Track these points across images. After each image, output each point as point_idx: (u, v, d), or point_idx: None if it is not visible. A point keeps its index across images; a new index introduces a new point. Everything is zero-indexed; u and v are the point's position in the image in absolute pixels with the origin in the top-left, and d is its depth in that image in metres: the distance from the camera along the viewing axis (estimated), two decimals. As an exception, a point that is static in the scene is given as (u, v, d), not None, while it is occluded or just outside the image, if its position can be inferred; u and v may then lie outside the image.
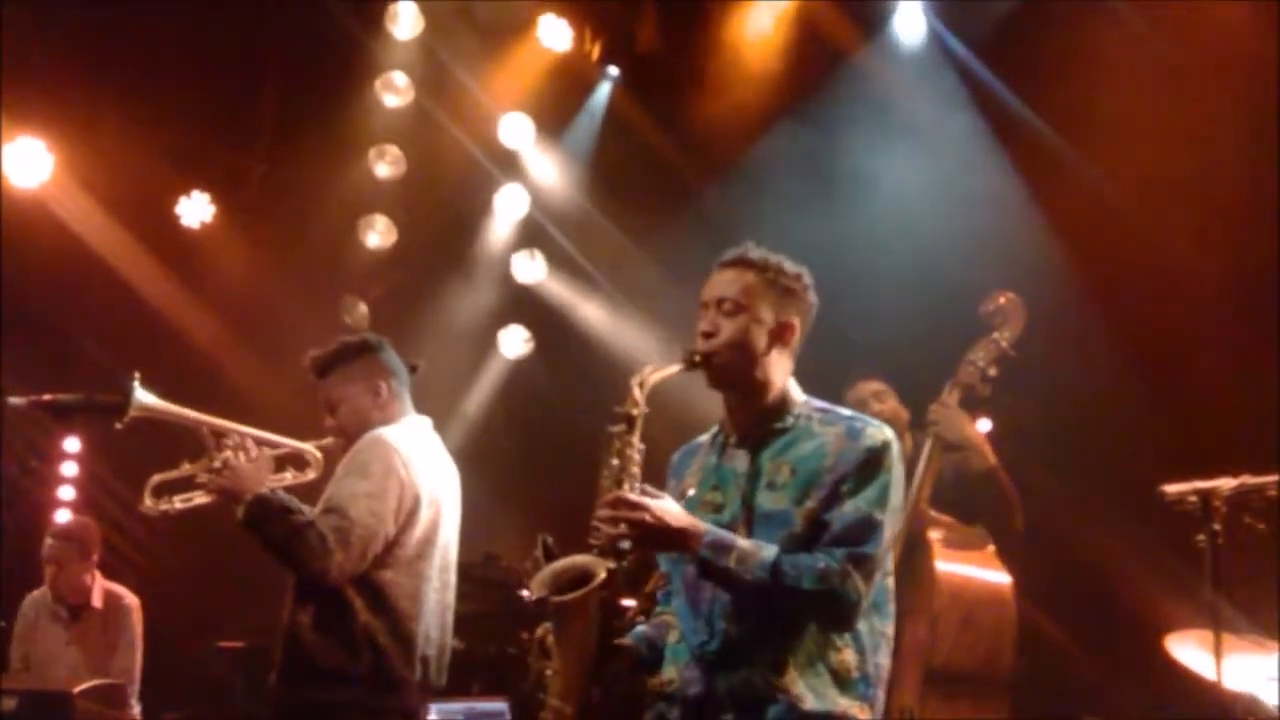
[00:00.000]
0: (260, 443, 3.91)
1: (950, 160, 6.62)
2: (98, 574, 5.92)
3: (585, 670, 2.81)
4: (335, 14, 7.50)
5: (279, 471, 3.99)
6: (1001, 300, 4.89)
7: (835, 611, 2.76)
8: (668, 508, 2.81)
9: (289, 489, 3.93)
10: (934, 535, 4.69)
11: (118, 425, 3.97)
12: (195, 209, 7.79)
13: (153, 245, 7.59)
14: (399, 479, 3.79)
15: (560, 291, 8.06)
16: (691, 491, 2.98)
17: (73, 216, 7.35)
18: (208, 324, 7.71)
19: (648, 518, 2.76)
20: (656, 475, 3.00)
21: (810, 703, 2.75)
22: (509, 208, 8.03)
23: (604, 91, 7.90)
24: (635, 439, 2.88)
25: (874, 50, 7.08)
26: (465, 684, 5.84)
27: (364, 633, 3.74)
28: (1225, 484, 3.52)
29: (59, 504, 7.81)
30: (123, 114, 7.41)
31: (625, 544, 2.79)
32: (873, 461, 2.82)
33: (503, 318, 8.15)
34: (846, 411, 2.97)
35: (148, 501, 4.02)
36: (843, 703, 2.78)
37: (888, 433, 2.88)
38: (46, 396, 4.17)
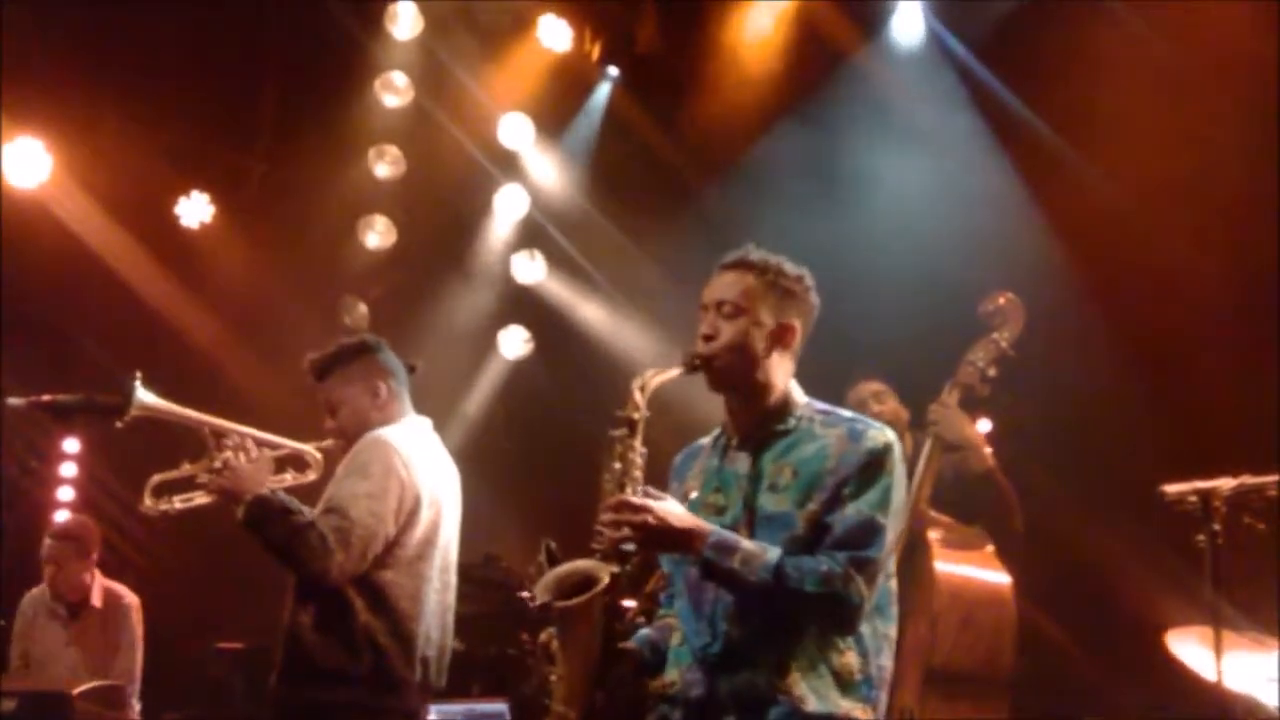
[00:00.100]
0: (260, 443, 3.92)
1: (950, 160, 6.62)
2: (97, 573, 5.91)
3: (589, 675, 2.82)
4: (335, 14, 7.50)
5: (279, 472, 3.99)
6: (1001, 300, 4.89)
7: (838, 615, 2.76)
8: (671, 509, 2.81)
9: (289, 490, 3.93)
10: (933, 535, 4.69)
11: (118, 424, 3.97)
12: (195, 209, 7.79)
13: (152, 245, 7.59)
14: (399, 479, 3.79)
15: (560, 292, 8.06)
16: (694, 494, 2.97)
17: (72, 217, 7.35)
18: (208, 324, 7.71)
19: (651, 520, 2.76)
20: (659, 478, 3.00)
21: (812, 704, 2.75)
22: (509, 208, 8.03)
23: (604, 92, 7.90)
24: (637, 442, 2.87)
25: (873, 50, 7.08)
26: (465, 685, 5.84)
27: (364, 633, 3.74)
28: (1225, 484, 3.52)
29: (58, 504, 7.81)
30: (122, 114, 7.41)
31: (629, 547, 2.78)
32: (874, 464, 2.82)
33: (503, 318, 8.15)
34: (848, 413, 2.97)
35: (148, 501, 4.03)
36: (845, 705, 2.78)
37: (889, 435, 2.88)
38: (46, 397, 4.18)
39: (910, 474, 4.57)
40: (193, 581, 7.39)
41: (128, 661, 5.78)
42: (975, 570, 4.70)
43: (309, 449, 4.08)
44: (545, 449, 7.77)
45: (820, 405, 2.98)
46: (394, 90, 7.82)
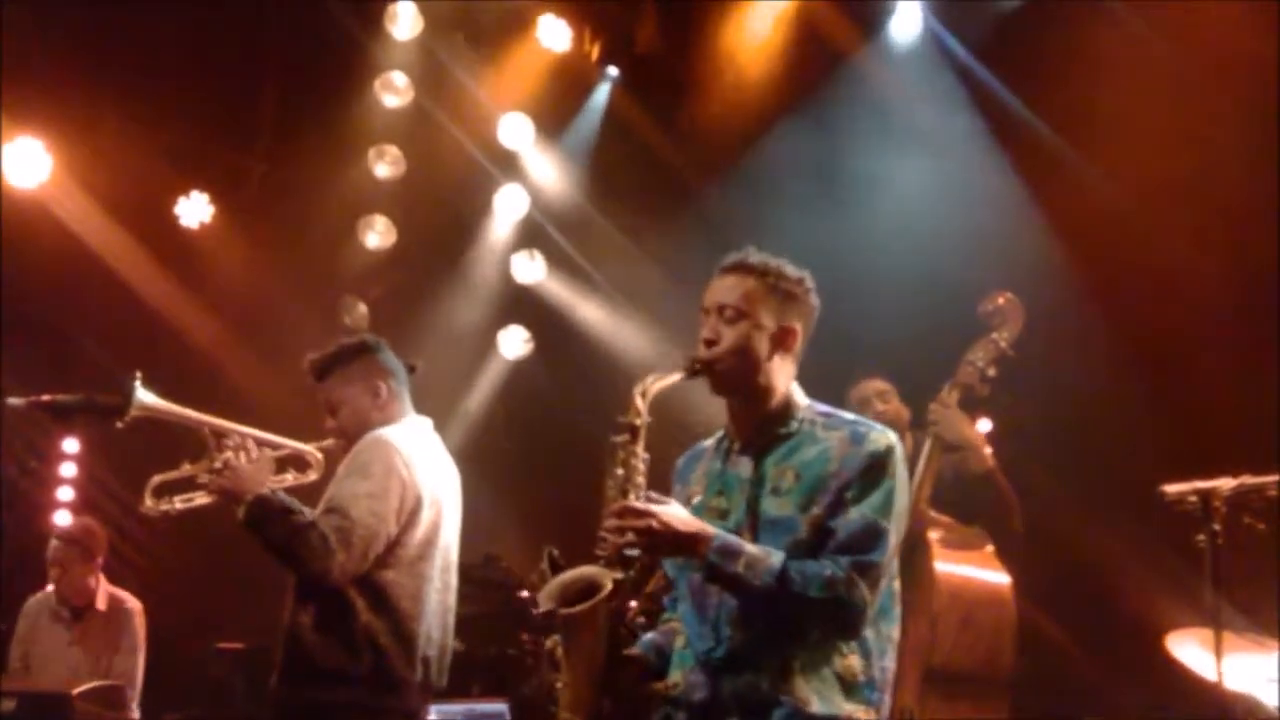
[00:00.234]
0: (261, 444, 3.91)
1: (949, 160, 6.62)
2: (102, 578, 5.92)
3: (595, 681, 2.81)
4: (335, 14, 7.50)
5: (280, 473, 3.98)
6: (1000, 300, 4.89)
7: (842, 619, 2.77)
8: (675, 513, 2.81)
9: (290, 490, 3.93)
10: (933, 535, 4.69)
11: (118, 424, 3.97)
12: (194, 209, 7.79)
13: (152, 245, 7.59)
14: (400, 479, 3.79)
15: (560, 292, 8.06)
16: (697, 498, 2.97)
17: (72, 217, 7.35)
18: (208, 324, 7.71)
19: (654, 524, 2.76)
20: (662, 482, 3.00)
21: (816, 706, 2.75)
22: (508, 208, 8.03)
23: (603, 92, 7.90)
24: (639, 448, 2.87)
25: (873, 51, 7.08)
26: (465, 685, 5.84)
27: (365, 633, 3.74)
28: (1225, 484, 3.52)
29: (58, 505, 7.81)
30: (122, 114, 7.41)
31: (633, 552, 2.78)
32: (876, 467, 2.82)
33: (502, 318, 8.15)
34: (849, 415, 2.97)
35: (148, 502, 4.02)
36: (848, 707, 2.78)
37: (891, 437, 2.88)
38: (46, 397, 4.17)
39: (910, 474, 4.57)
40: (193, 582, 7.39)
41: (129, 664, 5.78)
42: (975, 570, 4.70)
43: (309, 449, 4.07)
44: (545, 449, 7.77)
45: (821, 407, 2.98)
46: (394, 90, 7.82)
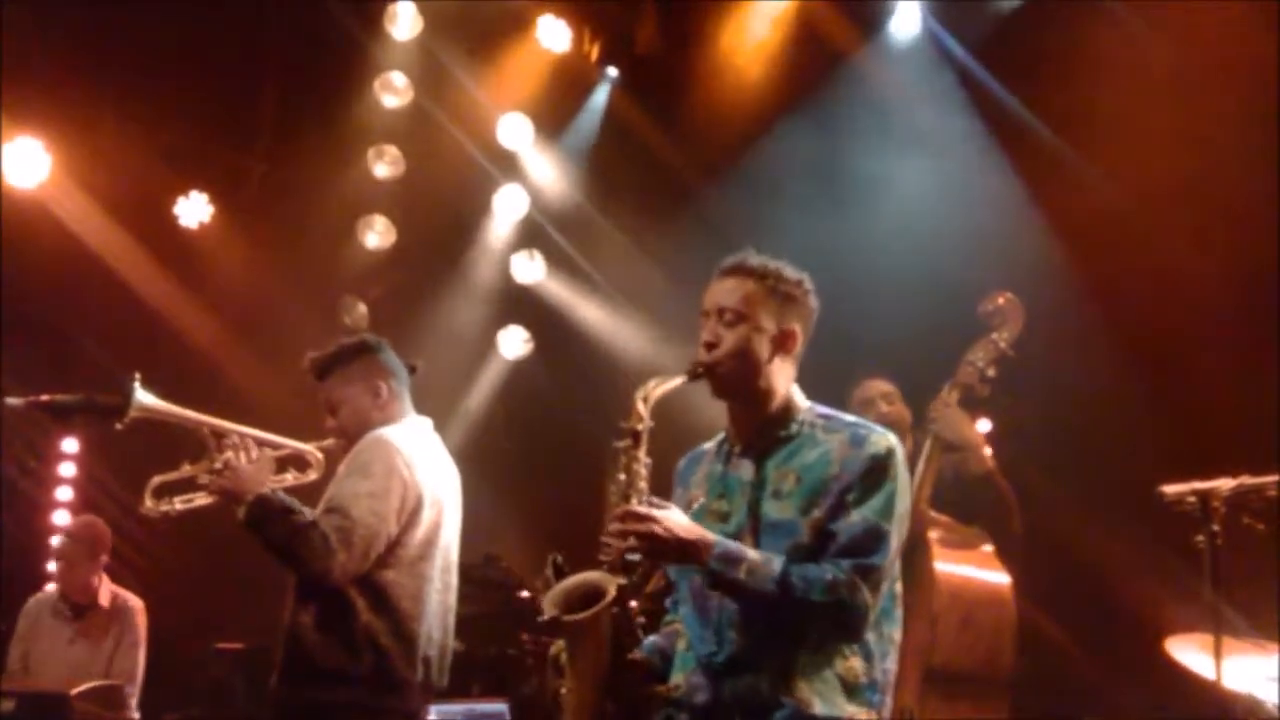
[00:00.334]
0: (261, 444, 3.91)
1: (949, 160, 6.62)
2: (105, 577, 5.94)
3: (599, 686, 2.82)
4: (335, 14, 7.50)
5: (280, 473, 3.98)
6: (1000, 300, 4.89)
7: (844, 622, 2.77)
8: (677, 519, 2.81)
9: (290, 490, 3.92)
10: (933, 535, 4.69)
11: (118, 425, 3.97)
12: (194, 209, 7.79)
13: (152, 245, 7.59)
14: (401, 479, 3.79)
15: (559, 292, 8.06)
16: (700, 501, 2.97)
17: (72, 217, 7.34)
18: (207, 324, 7.71)
19: (658, 529, 2.76)
20: (663, 486, 3.00)
21: (817, 708, 2.76)
22: (508, 208, 8.03)
23: (603, 92, 7.90)
24: (641, 453, 2.86)
25: (873, 51, 7.07)
26: (465, 685, 5.84)
27: (365, 633, 3.74)
28: (1224, 484, 3.52)
29: (57, 505, 7.82)
30: (122, 114, 7.41)
31: (635, 556, 2.78)
32: (877, 469, 2.82)
33: (502, 318, 8.15)
34: (850, 418, 2.97)
35: (148, 503, 4.02)
36: (850, 709, 2.78)
37: (891, 439, 2.88)
38: (45, 397, 4.17)
39: (911, 474, 4.57)
40: (193, 582, 7.39)
41: (129, 662, 5.80)
42: (975, 570, 4.71)
43: (310, 449, 4.07)
44: (545, 449, 7.77)
45: (822, 409, 2.98)
46: (393, 90, 7.82)
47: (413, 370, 4.13)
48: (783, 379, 2.95)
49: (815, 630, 2.79)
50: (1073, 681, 5.66)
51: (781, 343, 2.93)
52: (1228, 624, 3.59)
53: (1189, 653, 4.14)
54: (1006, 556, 4.75)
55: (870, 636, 2.82)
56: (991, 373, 4.82)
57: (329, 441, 4.04)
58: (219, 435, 3.90)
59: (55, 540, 7.24)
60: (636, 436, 2.87)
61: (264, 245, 7.75)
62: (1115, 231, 6.02)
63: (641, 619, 2.99)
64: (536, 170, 7.99)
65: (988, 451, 4.92)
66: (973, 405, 4.92)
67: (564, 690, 2.87)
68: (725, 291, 2.93)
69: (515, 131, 7.88)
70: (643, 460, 2.87)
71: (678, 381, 2.90)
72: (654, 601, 3.06)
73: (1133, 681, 5.23)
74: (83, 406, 4.22)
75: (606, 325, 7.84)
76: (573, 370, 7.83)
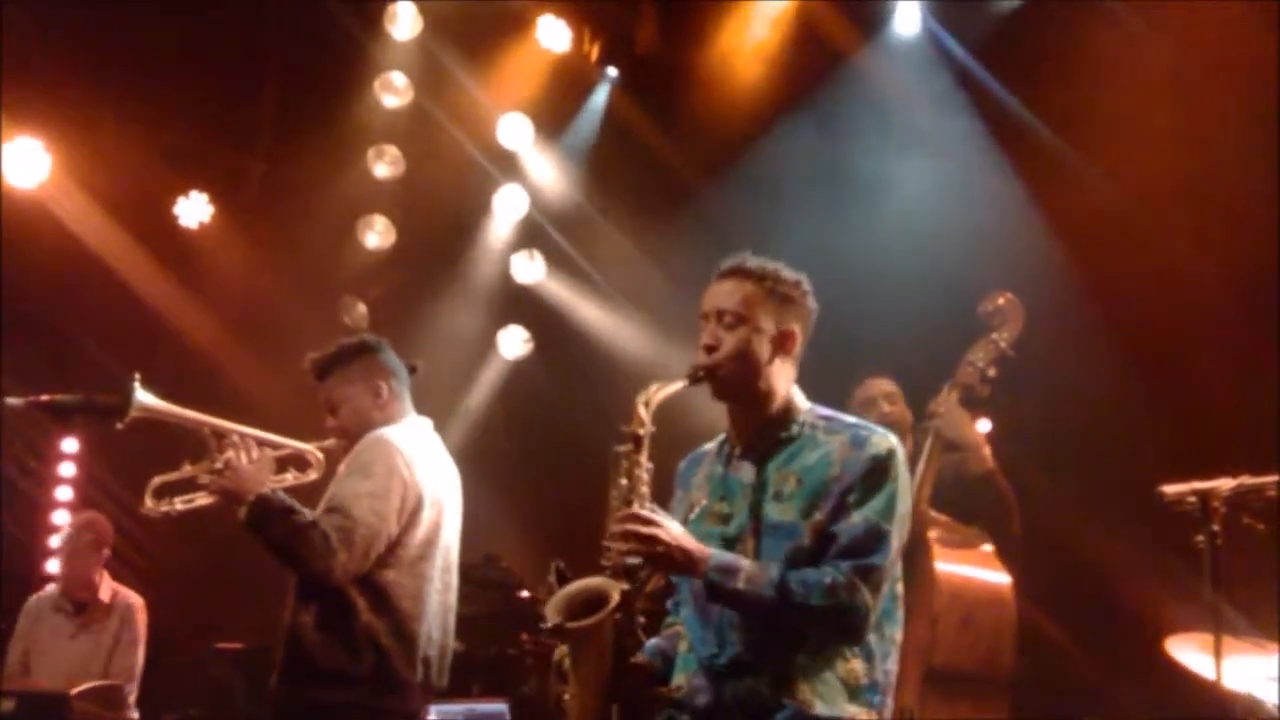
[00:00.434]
0: (262, 444, 3.91)
1: (950, 160, 6.63)
2: (106, 574, 5.98)
3: (603, 691, 2.82)
4: (335, 14, 7.49)
5: (280, 473, 3.98)
6: (1000, 301, 4.90)
7: (845, 625, 2.77)
8: (675, 529, 2.81)
9: (290, 490, 3.92)
10: (933, 535, 4.70)
11: (118, 425, 3.97)
12: (194, 209, 7.79)
13: (152, 245, 7.59)
14: (401, 479, 3.79)
15: (560, 292, 8.05)
16: (704, 503, 2.97)
17: (72, 217, 7.34)
18: (207, 324, 7.71)
19: (661, 534, 2.77)
20: (664, 489, 3.01)
21: (819, 709, 2.76)
22: (508, 208, 8.03)
23: (603, 92, 7.89)
24: (643, 458, 2.87)
25: (873, 51, 7.07)
26: (465, 685, 5.84)
27: (366, 633, 3.74)
28: (1224, 484, 3.52)
29: (57, 505, 7.81)
30: (122, 114, 7.40)
31: (636, 561, 2.78)
32: (878, 470, 2.82)
33: (502, 318, 8.14)
34: (850, 419, 2.97)
35: (149, 503, 4.02)
36: (851, 709, 2.78)
37: (892, 440, 2.88)
38: (45, 397, 4.17)
39: (911, 474, 4.57)
40: (192, 582, 7.39)
41: (128, 659, 5.83)
42: (975, 570, 4.71)
43: (310, 448, 4.07)
44: (545, 449, 7.76)
45: (822, 410, 2.98)
46: (393, 90, 7.81)
47: (413, 370, 4.13)
48: (783, 380, 2.96)
49: (817, 633, 2.79)
50: (1073, 681, 5.66)
51: (781, 343, 2.94)
52: (1228, 624, 3.59)
53: (1189, 652, 4.15)
54: (1006, 556, 4.76)
55: (871, 638, 2.82)
56: (992, 373, 4.83)
57: (329, 441, 4.05)
58: (219, 435, 3.90)
59: (56, 540, 7.27)
60: (638, 441, 2.87)
61: (264, 245, 7.75)
62: (1115, 231, 6.02)
63: (641, 619, 3.00)
64: (536, 170, 7.98)
65: (987, 451, 4.92)
66: (973, 405, 4.93)
67: (568, 696, 2.88)
68: (724, 294, 2.93)
69: (515, 131, 7.87)
70: (644, 465, 2.87)
71: (679, 385, 2.90)
72: (654, 602, 3.05)
73: (1133, 681, 5.23)
74: (83, 406, 4.22)
75: (606, 325, 7.84)
76: (573, 370, 7.82)
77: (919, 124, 6.78)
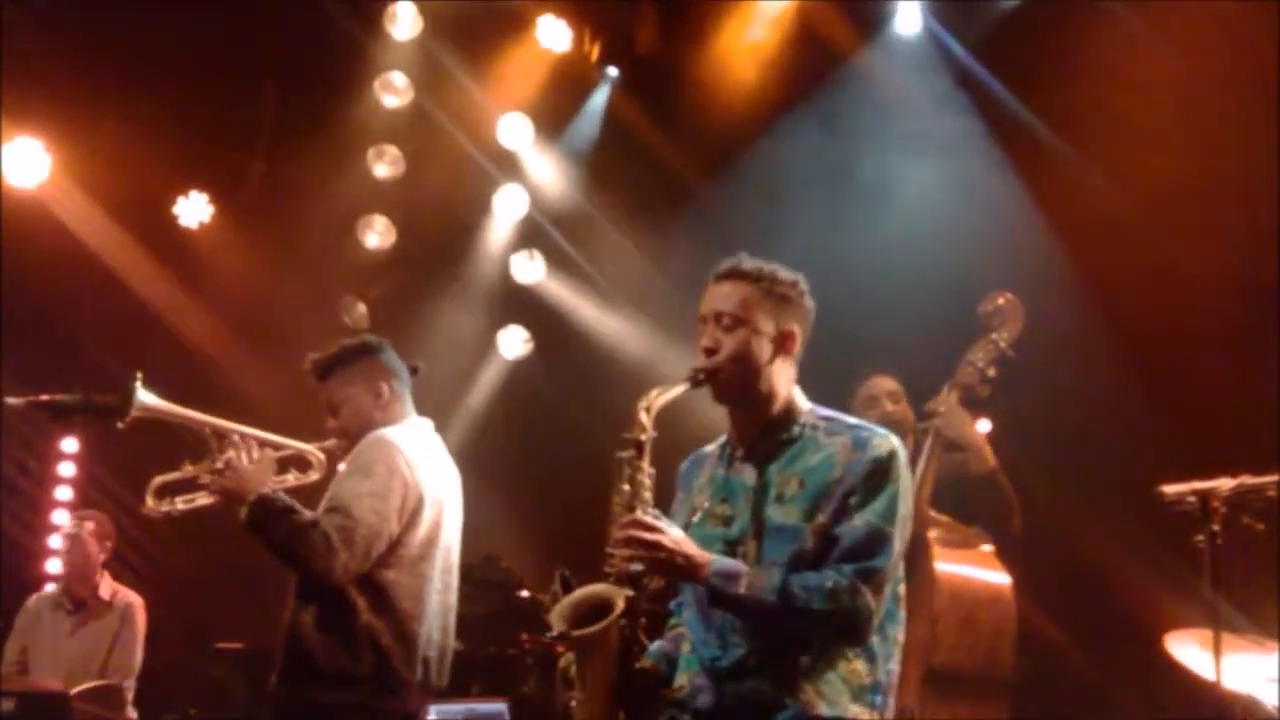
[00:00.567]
0: (263, 444, 3.91)
1: (950, 160, 6.62)
2: (106, 573, 6.00)
3: (609, 696, 2.83)
4: (335, 14, 7.48)
5: (282, 473, 3.99)
6: (1000, 301, 4.90)
7: (848, 628, 2.77)
8: (678, 535, 2.81)
9: (291, 490, 3.92)
10: (933, 535, 4.70)
11: (119, 425, 3.97)
12: (194, 209, 7.79)
13: (151, 245, 7.58)
14: (402, 479, 3.80)
15: (560, 292, 8.05)
16: (706, 505, 2.97)
17: (71, 217, 7.34)
18: (207, 324, 7.70)
19: (664, 539, 2.77)
20: (666, 493, 3.00)
21: (821, 709, 2.76)
22: (508, 208, 8.02)
23: (603, 93, 7.89)
24: (645, 464, 2.87)
25: (874, 52, 7.07)
26: (465, 685, 5.84)
27: (366, 633, 3.74)
28: (1224, 484, 3.52)
29: (57, 505, 7.81)
30: (122, 114, 7.40)
31: (637, 567, 2.78)
32: (880, 472, 2.82)
33: (502, 318, 8.14)
34: (851, 420, 2.98)
35: (150, 503, 4.02)
36: (854, 710, 2.79)
37: (893, 441, 2.88)
38: (45, 397, 4.18)
39: (912, 474, 4.56)
40: (192, 582, 7.39)
41: (127, 656, 5.86)
42: (975, 570, 4.71)
43: (311, 449, 4.08)
44: (545, 449, 7.76)
45: (823, 411, 2.99)
46: (394, 90, 7.81)
47: (414, 371, 4.14)
48: (783, 381, 2.96)
49: (820, 637, 2.79)
50: (1073, 681, 5.66)
51: (781, 344, 2.94)
52: (1227, 623, 3.60)
53: (1189, 649, 4.15)
54: (1007, 556, 4.75)
55: (874, 638, 2.82)
56: (991, 373, 4.83)
57: (330, 442, 4.05)
58: (221, 435, 3.91)
59: (56, 540, 7.28)
60: (640, 447, 2.87)
61: (264, 245, 7.74)
62: (1115, 231, 6.02)
63: (643, 619, 3.00)
64: (536, 170, 7.98)
65: (988, 451, 4.92)
66: (973, 405, 4.92)
67: (574, 702, 2.88)
68: (721, 296, 2.93)
69: (515, 131, 7.87)
70: (647, 470, 2.87)
71: (680, 390, 2.91)
72: (657, 602, 3.06)
73: (1133, 681, 5.23)
74: (83, 406, 4.22)
75: (606, 325, 7.84)
76: (573, 370, 7.82)
77: (919, 124, 6.78)
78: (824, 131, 6.90)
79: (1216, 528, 3.48)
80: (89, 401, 4.20)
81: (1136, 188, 6.00)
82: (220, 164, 7.91)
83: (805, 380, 3.02)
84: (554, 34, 7.66)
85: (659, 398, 2.90)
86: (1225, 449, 4.27)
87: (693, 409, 3.10)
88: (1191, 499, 3.54)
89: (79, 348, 7.53)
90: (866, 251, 6.36)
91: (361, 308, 7.99)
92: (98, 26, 7.14)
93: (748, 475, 2.93)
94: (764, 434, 2.94)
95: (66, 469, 7.90)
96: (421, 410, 4.11)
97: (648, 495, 2.86)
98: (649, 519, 2.80)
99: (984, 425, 5.22)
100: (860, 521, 2.79)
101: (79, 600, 5.94)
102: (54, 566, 7.27)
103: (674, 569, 2.80)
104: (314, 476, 4.08)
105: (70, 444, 7.89)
